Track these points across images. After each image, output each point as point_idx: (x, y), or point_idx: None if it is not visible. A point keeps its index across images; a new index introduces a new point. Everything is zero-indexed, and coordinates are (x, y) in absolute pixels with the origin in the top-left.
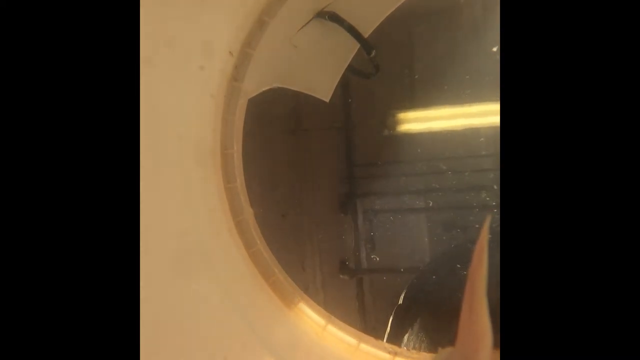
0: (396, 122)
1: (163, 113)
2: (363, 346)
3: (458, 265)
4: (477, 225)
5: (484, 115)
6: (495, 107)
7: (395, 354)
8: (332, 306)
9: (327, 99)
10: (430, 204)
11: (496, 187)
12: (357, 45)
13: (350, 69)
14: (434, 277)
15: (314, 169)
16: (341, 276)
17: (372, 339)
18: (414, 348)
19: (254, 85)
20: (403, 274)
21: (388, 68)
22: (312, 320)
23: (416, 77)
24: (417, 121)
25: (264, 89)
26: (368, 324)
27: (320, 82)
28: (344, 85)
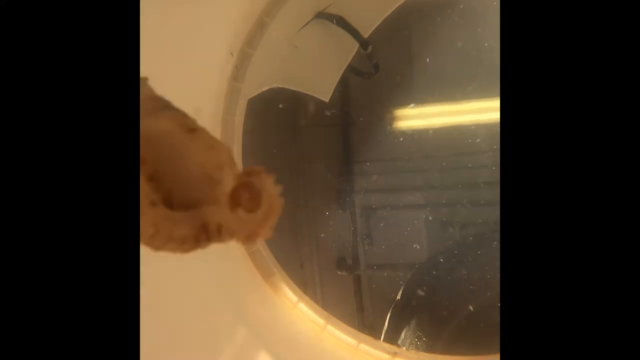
0: (395, 119)
1: None
2: (362, 346)
3: (455, 263)
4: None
5: (483, 111)
6: (495, 103)
7: (395, 354)
8: (330, 303)
9: (326, 99)
10: (429, 201)
11: (496, 182)
12: (357, 45)
13: (350, 68)
14: (431, 273)
15: (312, 166)
16: (339, 273)
17: (371, 339)
18: (411, 344)
19: (253, 85)
20: (401, 270)
21: (386, 64)
22: (311, 320)
23: (414, 73)
24: (415, 118)
25: (263, 89)
26: (366, 320)
27: (320, 82)
28: (343, 82)
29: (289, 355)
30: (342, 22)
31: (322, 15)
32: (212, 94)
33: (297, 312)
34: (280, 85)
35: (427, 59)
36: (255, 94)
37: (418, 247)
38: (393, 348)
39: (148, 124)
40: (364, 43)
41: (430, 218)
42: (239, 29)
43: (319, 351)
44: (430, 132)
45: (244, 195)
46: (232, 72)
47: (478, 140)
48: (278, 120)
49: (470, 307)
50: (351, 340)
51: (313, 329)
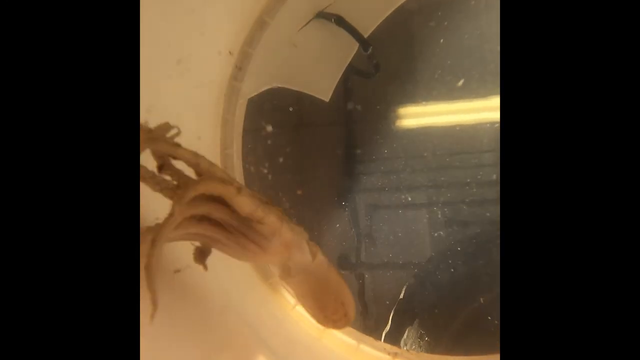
0: (398, 118)
1: (162, 113)
2: (362, 347)
3: (459, 262)
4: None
5: (487, 110)
6: (498, 102)
7: (395, 354)
8: None
9: (326, 99)
10: (432, 200)
11: (498, 181)
12: (357, 45)
13: (351, 68)
14: (435, 272)
15: (315, 165)
16: (342, 271)
17: (371, 340)
18: (414, 344)
19: (253, 85)
20: (404, 269)
21: (389, 63)
22: (311, 321)
23: (417, 71)
24: (418, 117)
25: (263, 89)
26: (369, 319)
27: (320, 82)
28: (345, 81)
29: (288, 355)
30: (342, 22)
31: (322, 15)
32: (212, 94)
33: (297, 312)
34: (280, 85)
35: (430, 56)
36: (255, 93)
37: (421, 245)
38: (393, 349)
39: (240, 203)
40: (364, 44)
41: (434, 217)
42: (239, 28)
43: (318, 352)
44: (434, 130)
45: None
46: (232, 71)
47: (482, 139)
48: (279, 117)
49: (481, 299)
50: (351, 341)
51: (313, 329)
